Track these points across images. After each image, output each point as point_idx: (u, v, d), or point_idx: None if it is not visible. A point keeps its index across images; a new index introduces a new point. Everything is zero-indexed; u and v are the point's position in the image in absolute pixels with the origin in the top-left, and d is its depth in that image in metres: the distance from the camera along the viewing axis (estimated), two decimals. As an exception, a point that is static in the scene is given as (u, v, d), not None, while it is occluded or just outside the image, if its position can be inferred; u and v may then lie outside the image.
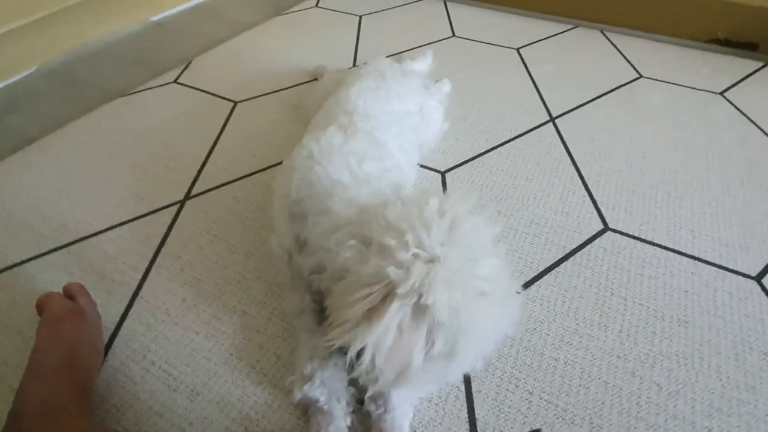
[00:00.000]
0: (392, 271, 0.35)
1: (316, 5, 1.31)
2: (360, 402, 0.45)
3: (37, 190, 0.72)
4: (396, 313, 0.35)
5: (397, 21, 1.21)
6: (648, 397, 0.47)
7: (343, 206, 0.44)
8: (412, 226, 0.37)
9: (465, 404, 0.46)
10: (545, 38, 1.11)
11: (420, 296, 0.35)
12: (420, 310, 0.35)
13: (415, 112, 0.70)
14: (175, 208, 0.68)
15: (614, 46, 1.08)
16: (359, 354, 0.36)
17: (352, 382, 0.45)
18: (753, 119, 0.84)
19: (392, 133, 0.60)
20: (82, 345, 0.44)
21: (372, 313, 0.36)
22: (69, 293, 0.50)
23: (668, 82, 0.95)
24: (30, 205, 0.70)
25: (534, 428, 0.44)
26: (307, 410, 0.45)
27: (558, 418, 0.45)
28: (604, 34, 1.13)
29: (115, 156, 0.78)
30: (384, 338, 0.35)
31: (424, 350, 0.37)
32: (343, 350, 0.38)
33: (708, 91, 0.92)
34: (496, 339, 0.40)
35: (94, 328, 0.48)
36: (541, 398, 0.47)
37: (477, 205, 0.46)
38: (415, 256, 0.36)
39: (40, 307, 0.47)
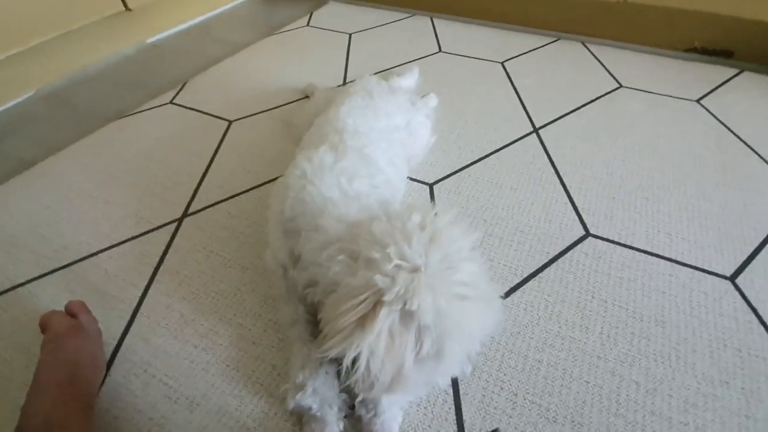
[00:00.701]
0: (379, 279, 0.38)
1: (308, 24, 1.35)
2: (351, 407, 0.47)
3: (38, 213, 0.75)
4: (386, 318, 0.38)
5: (386, 38, 1.25)
6: (627, 395, 0.49)
7: (333, 223, 0.47)
8: (395, 240, 0.40)
9: (453, 407, 0.49)
10: (529, 51, 1.15)
11: (405, 302, 0.37)
12: (407, 315, 0.38)
13: (402, 127, 0.73)
14: (173, 226, 0.71)
15: (595, 57, 1.12)
16: (354, 361, 0.39)
17: (344, 389, 0.47)
18: (728, 125, 0.88)
19: (381, 148, 0.63)
20: (84, 361, 0.46)
21: (364, 321, 0.39)
22: (71, 311, 0.52)
23: (647, 91, 0.98)
24: (31, 228, 0.72)
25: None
26: (301, 417, 0.47)
27: (541, 417, 0.48)
28: (585, 46, 1.17)
29: (113, 177, 0.81)
30: (377, 343, 0.38)
31: (415, 352, 0.39)
32: (337, 360, 0.40)
33: (685, 98, 0.96)
34: (481, 339, 0.42)
35: (96, 345, 0.50)
36: (525, 399, 0.49)
37: (461, 215, 0.49)
38: (398, 266, 0.39)
39: (43, 325, 0.49)
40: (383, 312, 0.37)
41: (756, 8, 0.98)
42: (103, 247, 0.68)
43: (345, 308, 0.39)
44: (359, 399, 0.46)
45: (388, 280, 0.38)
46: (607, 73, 1.05)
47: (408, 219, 0.42)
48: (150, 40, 1.30)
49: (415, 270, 0.39)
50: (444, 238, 0.41)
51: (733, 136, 0.85)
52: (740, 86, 0.99)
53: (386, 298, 0.37)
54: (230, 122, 0.94)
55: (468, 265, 0.40)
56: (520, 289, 0.60)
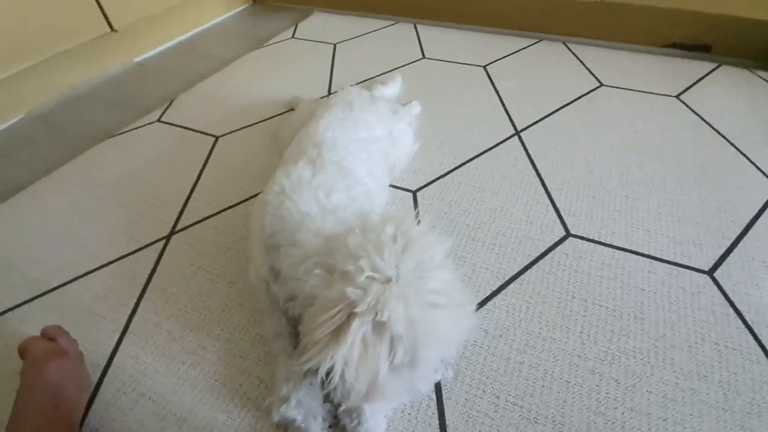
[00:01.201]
0: (351, 291, 0.39)
1: (293, 36, 1.37)
2: (336, 417, 0.48)
3: (29, 236, 0.76)
4: (358, 329, 0.39)
5: (370, 46, 1.27)
6: (607, 393, 0.50)
7: (311, 238, 0.48)
8: (367, 252, 0.41)
9: (436, 412, 0.50)
10: (511, 54, 1.17)
11: (377, 313, 0.38)
12: (379, 325, 0.39)
13: (384, 137, 0.74)
14: (161, 243, 0.72)
15: (576, 56, 1.13)
16: (329, 372, 0.40)
17: (327, 399, 0.48)
18: (706, 119, 0.89)
19: (360, 159, 0.64)
20: (66, 384, 0.46)
21: (338, 332, 0.40)
22: (48, 335, 0.52)
23: (627, 89, 1.00)
24: (21, 251, 0.73)
25: None
26: (287, 430, 0.48)
27: (523, 418, 0.49)
28: (566, 46, 1.18)
29: (102, 198, 0.82)
30: (351, 353, 0.39)
31: (389, 360, 0.40)
32: (316, 371, 0.41)
33: (664, 95, 0.97)
34: (455, 345, 0.43)
35: (77, 366, 0.51)
36: (507, 401, 0.50)
37: (436, 222, 0.50)
38: (371, 278, 0.40)
39: (22, 351, 0.49)
40: (356, 323, 0.38)
41: (733, 3, 0.99)
42: (92, 268, 0.69)
43: (320, 321, 0.40)
44: (342, 408, 0.47)
45: (360, 292, 0.39)
46: (587, 72, 1.07)
47: (381, 231, 0.44)
48: (137, 59, 1.32)
49: (387, 281, 0.40)
50: (416, 248, 0.42)
51: (712, 130, 0.86)
52: (718, 80, 1.00)
53: (358, 309, 0.38)
54: (217, 138, 0.95)
55: (440, 273, 0.42)
56: (503, 291, 0.61)
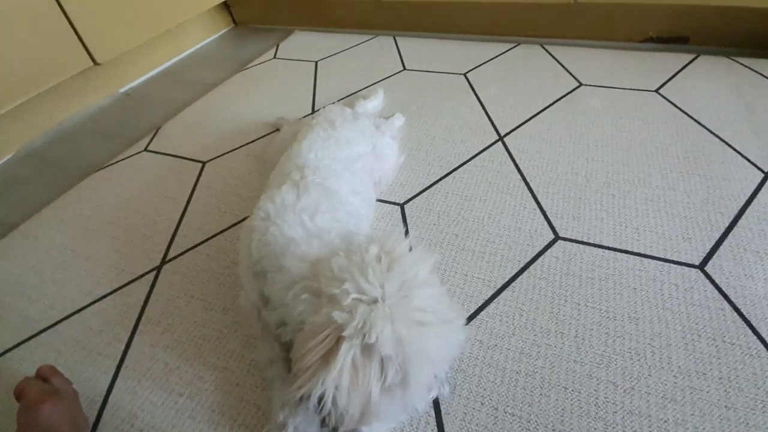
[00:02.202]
0: (337, 315, 0.39)
1: (274, 57, 1.38)
2: (334, 441, 0.48)
3: (24, 275, 0.76)
4: (347, 353, 0.39)
5: (351, 61, 1.28)
6: (605, 397, 0.50)
7: (296, 262, 0.48)
8: (352, 275, 0.41)
9: (435, 428, 0.49)
10: (490, 60, 1.18)
11: (364, 335, 0.38)
12: (368, 347, 0.39)
13: (367, 153, 0.74)
14: (153, 274, 0.72)
15: (554, 58, 1.14)
16: (322, 398, 0.40)
17: (324, 424, 0.48)
18: (687, 111, 0.89)
19: (344, 178, 0.65)
20: (62, 425, 0.46)
21: (327, 357, 0.40)
22: (42, 376, 0.52)
23: (607, 87, 1.00)
24: (18, 291, 0.73)
25: None
26: (285, 456, 0.48)
27: (523, 429, 0.48)
28: (544, 48, 1.19)
29: (93, 231, 0.82)
30: (341, 377, 0.39)
31: (380, 382, 0.40)
32: (309, 397, 0.41)
33: (644, 90, 0.98)
34: (446, 361, 0.43)
35: (72, 406, 0.50)
36: (505, 412, 0.50)
37: (420, 238, 0.49)
38: (358, 300, 0.40)
39: (18, 393, 0.49)
40: (344, 347, 0.38)
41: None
42: (85, 304, 0.69)
43: (309, 347, 0.40)
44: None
45: (346, 315, 0.39)
46: (566, 73, 1.07)
47: (366, 251, 0.44)
48: (122, 90, 1.33)
49: (373, 302, 0.40)
50: (400, 266, 0.43)
51: (694, 122, 0.87)
52: (697, 71, 1.01)
53: (346, 333, 0.38)
54: (204, 163, 0.95)
55: (425, 291, 0.42)
56: (495, 300, 0.61)
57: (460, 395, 0.52)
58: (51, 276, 0.75)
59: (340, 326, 0.40)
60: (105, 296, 0.70)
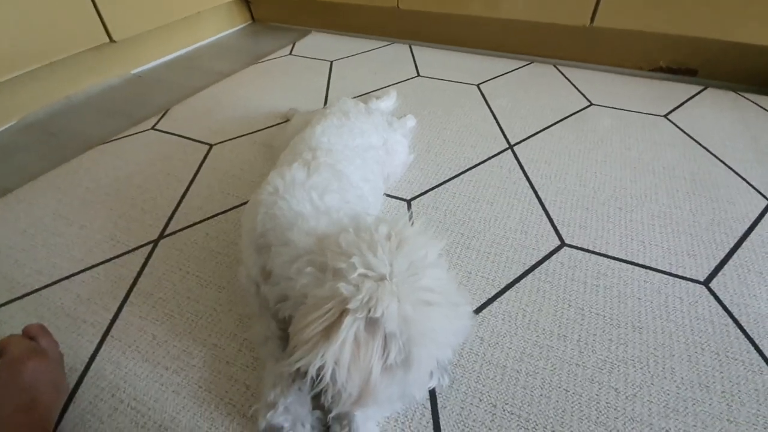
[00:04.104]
0: (344, 287, 0.38)
1: (290, 53, 1.39)
2: (326, 425, 0.46)
3: (13, 238, 0.74)
4: (351, 326, 0.37)
5: (366, 64, 1.29)
6: (606, 402, 0.48)
7: (303, 237, 0.47)
8: (360, 250, 0.40)
9: (431, 420, 0.47)
10: (503, 74, 1.20)
11: (370, 309, 0.37)
12: (372, 322, 0.38)
13: (378, 146, 0.74)
14: (149, 248, 0.70)
15: (566, 78, 1.16)
16: (319, 372, 0.38)
17: (317, 405, 0.46)
18: (695, 137, 0.91)
19: (355, 165, 0.64)
20: (43, 386, 0.44)
21: (329, 330, 0.38)
22: (29, 334, 0.50)
23: (616, 108, 1.02)
24: (5, 253, 0.71)
25: None
26: (274, 437, 0.45)
27: (521, 428, 0.47)
28: (557, 68, 1.22)
29: (91, 202, 0.81)
30: (342, 352, 0.37)
31: (382, 360, 0.39)
32: (305, 373, 0.39)
33: (653, 114, 0.99)
34: (449, 345, 0.42)
35: (56, 368, 0.48)
36: (504, 410, 0.48)
37: (430, 224, 0.48)
38: (364, 275, 0.39)
39: (1, 349, 0.47)
40: (348, 320, 0.37)
41: (718, 28, 1.02)
42: (75, 271, 0.67)
43: (311, 318, 0.39)
44: (333, 415, 0.45)
45: (352, 288, 0.38)
46: (577, 93, 1.09)
47: (375, 230, 0.43)
48: (134, 71, 1.33)
49: (381, 278, 0.39)
50: (410, 247, 0.42)
51: (701, 147, 0.88)
52: (705, 102, 1.03)
53: (350, 306, 0.37)
54: (211, 146, 0.95)
55: (433, 271, 0.41)
56: (498, 299, 0.60)
57: (458, 390, 0.50)
58: (42, 241, 0.73)
59: (345, 299, 0.38)
60: (96, 265, 0.68)
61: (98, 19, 1.09)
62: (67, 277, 0.66)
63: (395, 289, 0.38)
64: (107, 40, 1.12)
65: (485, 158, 0.87)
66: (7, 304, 0.62)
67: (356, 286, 0.38)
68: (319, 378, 0.38)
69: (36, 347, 0.47)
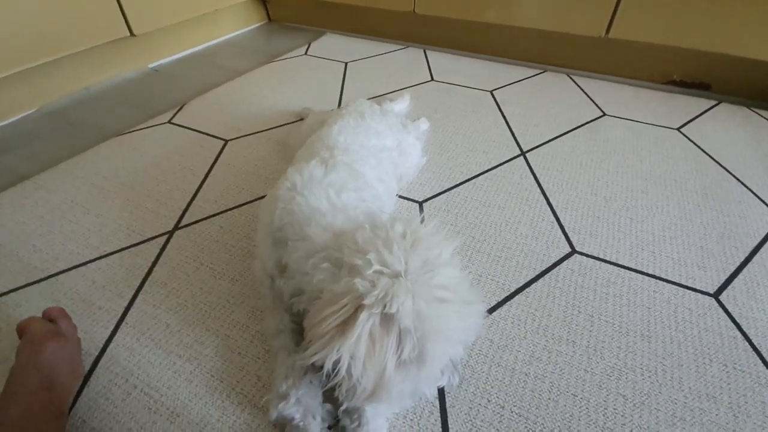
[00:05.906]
0: (359, 283, 0.39)
1: (306, 53, 1.41)
2: (336, 418, 0.47)
3: (30, 224, 0.75)
4: (366, 322, 0.38)
5: (381, 67, 1.30)
6: (614, 409, 0.49)
7: (320, 232, 0.48)
8: (376, 247, 0.41)
9: (439, 419, 0.48)
10: (516, 81, 1.21)
11: (385, 305, 0.38)
12: (387, 318, 0.38)
13: (393, 147, 0.75)
14: (164, 238, 0.71)
15: (580, 88, 1.17)
16: (335, 366, 0.39)
17: (328, 398, 0.47)
18: (707, 151, 0.91)
19: (370, 164, 0.65)
20: (61, 367, 0.45)
21: (345, 325, 0.39)
22: (49, 316, 0.51)
23: (629, 119, 1.02)
24: (22, 238, 0.72)
25: None
26: (284, 428, 0.46)
27: (529, 430, 0.47)
28: (570, 78, 1.22)
29: (107, 191, 0.82)
30: (358, 346, 0.38)
31: (396, 355, 0.39)
32: (320, 367, 0.40)
33: (666, 127, 1.00)
34: (462, 343, 0.42)
35: (74, 351, 0.49)
36: (512, 412, 0.49)
37: (444, 224, 0.49)
38: (379, 272, 0.40)
39: (21, 330, 0.48)
40: (363, 315, 0.38)
41: (732, 44, 1.03)
42: (91, 258, 0.68)
43: (327, 313, 0.39)
44: (343, 408, 0.46)
45: (368, 284, 0.39)
46: (591, 103, 1.10)
47: (391, 228, 0.43)
48: (152, 65, 1.35)
49: (396, 275, 0.40)
50: (425, 245, 0.42)
51: (713, 161, 0.88)
52: (718, 116, 1.04)
53: (366, 302, 0.38)
54: (226, 141, 0.96)
55: (447, 270, 0.41)
56: (508, 303, 0.60)
57: (466, 390, 0.51)
58: (58, 228, 0.74)
59: (361, 295, 0.39)
60: (112, 253, 0.69)
61: (120, 13, 1.10)
62: (83, 264, 0.67)
63: (410, 286, 0.39)
64: (127, 33, 1.14)
65: (497, 164, 0.88)
66: (24, 287, 0.64)
67: (372, 282, 0.39)
68: (335, 372, 0.38)
69: (56, 329, 0.48)
